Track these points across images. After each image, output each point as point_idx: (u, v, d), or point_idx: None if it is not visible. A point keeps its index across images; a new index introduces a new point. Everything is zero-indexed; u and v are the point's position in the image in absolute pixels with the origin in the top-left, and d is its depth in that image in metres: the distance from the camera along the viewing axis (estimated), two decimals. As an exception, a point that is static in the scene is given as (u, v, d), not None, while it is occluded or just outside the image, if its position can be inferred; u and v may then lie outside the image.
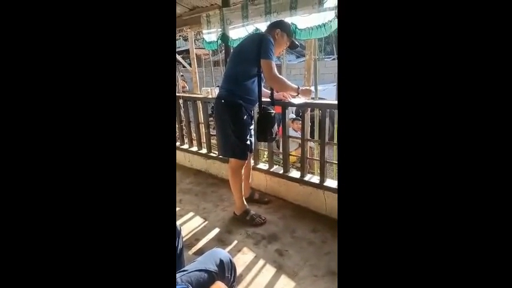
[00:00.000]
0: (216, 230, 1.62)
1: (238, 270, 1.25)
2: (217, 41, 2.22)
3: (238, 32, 2.07)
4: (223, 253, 0.90)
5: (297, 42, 1.67)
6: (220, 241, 1.52)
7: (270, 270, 1.29)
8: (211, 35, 2.25)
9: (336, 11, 1.56)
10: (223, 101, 1.51)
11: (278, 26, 1.53)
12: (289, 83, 1.52)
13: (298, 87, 1.56)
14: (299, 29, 1.71)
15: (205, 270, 0.81)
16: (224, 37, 2.12)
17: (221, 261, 0.86)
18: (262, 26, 1.84)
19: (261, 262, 1.34)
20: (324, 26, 1.61)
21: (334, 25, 1.60)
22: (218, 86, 1.64)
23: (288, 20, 1.66)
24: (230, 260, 0.89)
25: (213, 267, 0.83)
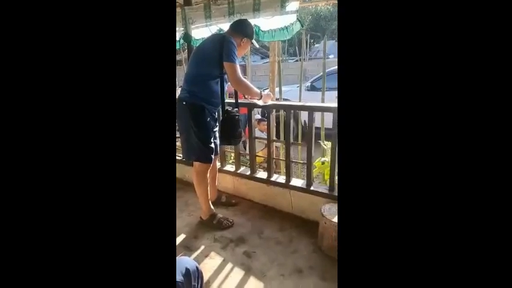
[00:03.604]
0: (182, 237, 1.56)
1: (206, 276, 1.23)
2: (179, 40, 2.15)
3: (201, 32, 2.03)
4: (189, 261, 0.87)
5: (256, 44, 1.68)
6: (186, 248, 1.47)
7: (238, 273, 1.28)
8: (172, 33, 2.18)
9: (297, 14, 1.61)
10: (184, 103, 1.46)
11: (243, 33, 1.50)
12: (252, 86, 1.51)
13: (261, 92, 1.58)
14: (262, 31, 1.72)
15: (170, 281, 0.78)
16: (186, 36, 2.06)
17: (187, 270, 0.83)
18: (226, 27, 1.82)
19: (229, 266, 1.33)
20: (287, 28, 1.65)
21: (296, 28, 1.64)
22: (180, 87, 1.58)
23: (251, 21, 1.67)
24: (197, 268, 0.86)
25: (178, 277, 0.80)
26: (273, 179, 1.80)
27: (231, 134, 1.53)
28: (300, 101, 2.01)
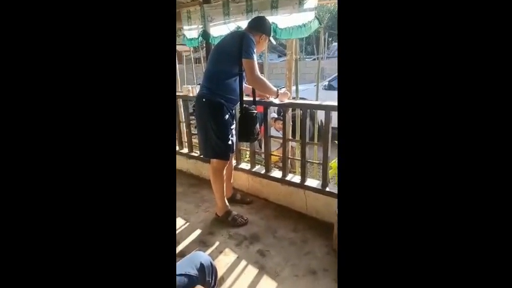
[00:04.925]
0: (198, 232, 1.59)
1: (220, 272, 1.24)
2: (198, 38, 2.17)
3: (219, 29, 2.04)
4: (204, 256, 0.88)
5: (273, 41, 1.67)
6: (201, 243, 1.49)
7: (252, 271, 1.28)
8: (192, 31, 2.21)
9: (316, 12, 1.58)
10: (204, 99, 1.48)
11: (262, 31, 1.50)
12: (269, 85, 1.51)
13: (277, 90, 1.57)
14: (280, 29, 1.71)
15: (186, 275, 0.79)
16: (205, 34, 2.08)
17: (202, 265, 0.84)
18: (244, 24, 1.82)
19: (243, 263, 1.34)
20: (305, 26, 1.63)
21: (314, 26, 1.62)
22: (199, 84, 1.60)
23: (269, 18, 1.66)
24: (211, 263, 0.88)
25: (193, 272, 0.81)
26: (287, 178, 1.78)
27: (248, 131, 1.54)
28: (317, 100, 1.98)
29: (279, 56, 9.57)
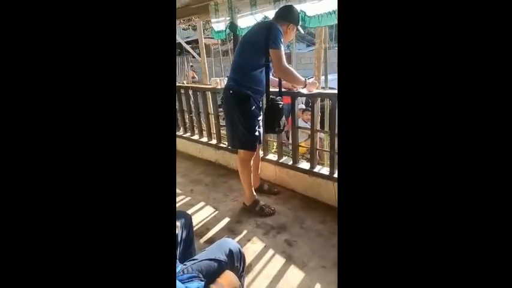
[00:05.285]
0: (226, 220, 1.64)
1: (248, 260, 1.28)
2: (225, 30, 2.19)
3: (246, 21, 2.03)
4: (232, 243, 0.91)
5: (302, 30, 1.63)
6: (230, 231, 1.54)
7: (279, 261, 1.30)
8: (219, 24, 2.22)
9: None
10: (231, 91, 1.50)
11: (290, 20, 1.47)
12: (297, 74, 1.49)
13: (305, 80, 1.54)
14: (308, 17, 1.66)
15: (215, 260, 0.83)
16: (232, 26, 2.09)
17: (230, 251, 0.87)
18: (271, 14, 1.79)
19: (270, 252, 1.36)
20: (334, 12, 1.56)
21: (346, 11, 1.55)
22: (227, 76, 1.62)
23: (297, 7, 1.61)
24: (239, 250, 0.91)
25: (222, 257, 0.85)
26: (315, 170, 1.76)
27: (274, 123, 1.54)
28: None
29: (308, 46, 9.30)
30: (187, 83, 3.20)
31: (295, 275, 1.22)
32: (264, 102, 1.62)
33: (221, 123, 2.33)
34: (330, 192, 1.70)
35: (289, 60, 1.56)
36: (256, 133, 1.55)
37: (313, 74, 2.02)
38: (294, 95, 1.73)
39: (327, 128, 2.02)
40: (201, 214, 1.72)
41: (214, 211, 1.74)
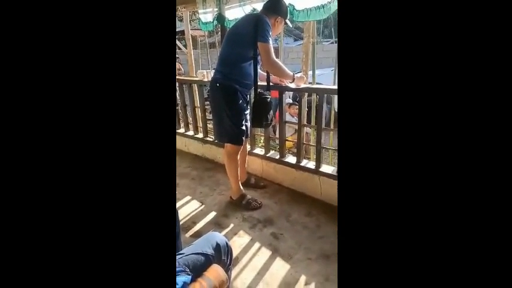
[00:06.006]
0: (213, 214, 1.64)
1: (235, 253, 1.28)
2: (213, 22, 2.14)
3: (234, 12, 2.00)
4: (219, 236, 0.91)
5: (290, 24, 1.62)
6: (216, 224, 1.54)
7: (265, 253, 1.32)
8: (207, 15, 2.17)
9: (336, -9, 1.51)
10: (218, 84, 1.48)
11: (278, 13, 1.46)
12: (285, 69, 1.48)
13: (293, 74, 1.54)
14: (297, 10, 1.65)
15: (202, 254, 0.83)
16: (220, 17, 2.05)
17: (217, 244, 0.87)
18: (259, 6, 1.77)
19: (257, 245, 1.37)
20: (323, 7, 1.56)
21: (334, 6, 1.55)
22: (214, 69, 1.59)
23: (286, 0, 1.60)
24: (226, 243, 0.91)
25: (209, 251, 0.85)
26: (302, 164, 1.78)
27: (262, 117, 1.54)
28: (334, 85, 1.93)
29: (295, 40, 9.30)
30: (173, 75, 3.12)
31: (281, 267, 1.24)
32: (252, 96, 1.62)
33: (208, 117, 2.30)
34: (316, 186, 1.73)
35: (277, 55, 1.54)
36: (243, 127, 1.54)
37: (300, 68, 2.02)
38: (282, 90, 1.73)
39: (313, 123, 2.04)
40: (187, 208, 1.70)
41: (201, 205, 1.73)
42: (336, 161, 1.64)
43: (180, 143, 2.61)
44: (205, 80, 2.08)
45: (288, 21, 1.57)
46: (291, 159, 1.88)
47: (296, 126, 1.84)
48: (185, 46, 2.99)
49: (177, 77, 2.60)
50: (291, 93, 2.85)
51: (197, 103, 2.40)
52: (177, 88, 2.48)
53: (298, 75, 1.60)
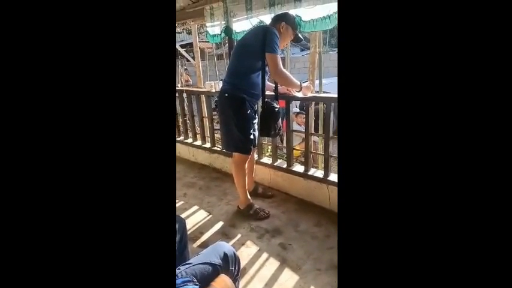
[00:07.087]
0: (220, 224, 1.63)
1: (242, 263, 1.26)
2: (220, 34, 2.20)
3: (242, 25, 2.04)
4: (227, 246, 0.90)
5: (301, 36, 1.65)
6: (224, 234, 1.53)
7: (273, 264, 1.30)
8: (214, 27, 2.23)
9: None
10: (226, 95, 1.50)
11: (283, 19, 1.51)
12: (293, 78, 1.51)
13: (301, 84, 1.56)
14: (303, 21, 1.68)
15: (210, 263, 0.82)
16: (228, 30, 2.10)
17: (225, 254, 0.86)
18: (267, 19, 1.81)
19: (265, 255, 1.35)
20: (329, 17, 1.59)
21: (340, 17, 1.57)
22: (222, 80, 1.62)
23: (292, 12, 1.64)
24: (234, 254, 0.90)
25: (217, 261, 0.84)
26: (310, 173, 1.77)
27: (270, 126, 1.55)
28: (341, 94, 1.93)
29: (302, 50, 9.41)
30: (181, 86, 3.19)
31: (289, 277, 1.21)
32: (260, 105, 1.63)
33: (215, 127, 2.32)
34: (324, 195, 1.70)
35: (283, 65, 1.57)
36: (251, 136, 1.55)
37: (307, 78, 2.04)
38: (289, 99, 1.74)
39: (321, 131, 2.04)
40: (194, 218, 1.70)
41: (208, 215, 1.73)
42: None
43: (188, 153, 2.63)
44: (213, 90, 2.11)
45: (298, 33, 1.60)
46: (299, 168, 1.86)
47: (303, 135, 1.84)
48: (193, 58, 3.05)
49: (185, 88, 2.65)
50: (298, 102, 2.86)
51: (205, 113, 2.43)
52: (185, 98, 2.52)
53: (305, 84, 1.61)
